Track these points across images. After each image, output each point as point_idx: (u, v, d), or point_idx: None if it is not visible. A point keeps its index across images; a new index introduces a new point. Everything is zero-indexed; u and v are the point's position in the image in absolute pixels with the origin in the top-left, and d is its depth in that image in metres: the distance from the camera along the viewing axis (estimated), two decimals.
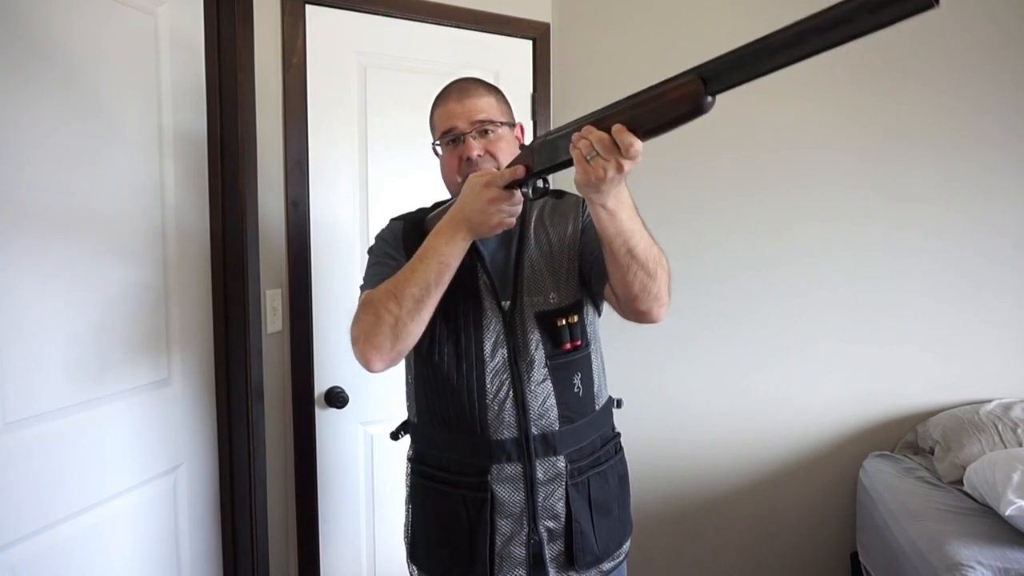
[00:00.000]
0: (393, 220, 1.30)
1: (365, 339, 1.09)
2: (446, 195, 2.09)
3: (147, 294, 1.42)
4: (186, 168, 1.51)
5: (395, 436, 1.32)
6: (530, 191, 1.04)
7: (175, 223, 1.48)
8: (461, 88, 1.22)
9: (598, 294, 1.21)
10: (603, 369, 1.28)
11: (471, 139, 1.17)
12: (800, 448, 2.33)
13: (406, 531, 1.30)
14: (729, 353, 2.31)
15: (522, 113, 2.12)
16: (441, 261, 1.05)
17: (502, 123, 1.20)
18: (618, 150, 0.86)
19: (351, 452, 1.94)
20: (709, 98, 0.79)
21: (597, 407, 1.24)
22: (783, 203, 2.27)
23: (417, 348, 1.16)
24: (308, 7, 1.80)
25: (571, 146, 0.90)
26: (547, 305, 1.17)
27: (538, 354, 1.16)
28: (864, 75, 2.22)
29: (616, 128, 0.85)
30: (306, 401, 1.86)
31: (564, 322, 1.17)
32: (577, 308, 1.20)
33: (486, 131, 1.18)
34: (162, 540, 1.48)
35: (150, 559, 1.45)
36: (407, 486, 1.30)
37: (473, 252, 1.18)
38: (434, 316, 1.10)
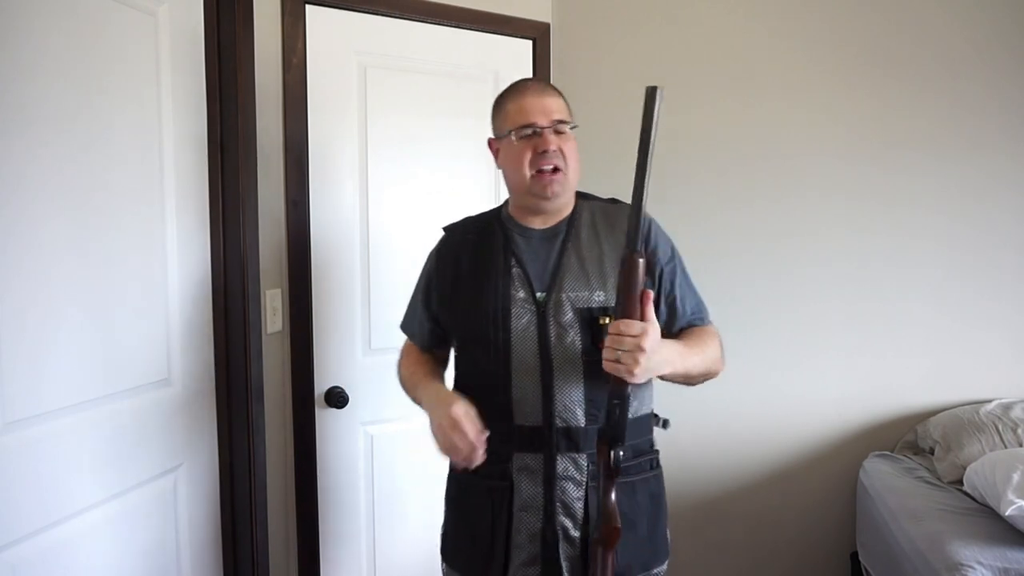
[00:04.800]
0: (443, 229, 1.39)
1: (399, 379, 1.40)
2: (445, 195, 2.09)
3: (147, 294, 1.42)
4: (186, 168, 1.51)
5: None
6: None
7: (175, 223, 1.48)
8: (538, 86, 1.27)
9: None
10: (646, 383, 1.26)
11: (549, 134, 1.20)
12: (800, 448, 2.33)
13: (442, 528, 1.36)
14: (728, 354, 2.30)
15: None
16: (415, 400, 1.31)
17: (572, 126, 1.25)
18: (627, 338, 1.03)
19: (351, 452, 1.94)
20: (640, 260, 1.04)
21: (630, 415, 1.20)
22: (784, 206, 2.27)
23: (452, 336, 1.33)
24: (308, 7, 1.80)
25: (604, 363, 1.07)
26: (591, 302, 1.19)
27: (572, 348, 1.18)
28: (861, 83, 2.22)
29: (612, 325, 1.05)
30: (306, 401, 1.86)
31: (607, 321, 1.17)
32: None
33: (560, 131, 1.22)
34: (162, 540, 1.48)
35: (150, 559, 1.45)
36: (446, 483, 1.36)
37: (508, 244, 1.25)
38: (464, 302, 1.25)
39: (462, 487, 1.30)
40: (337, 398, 1.88)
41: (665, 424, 1.33)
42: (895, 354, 2.30)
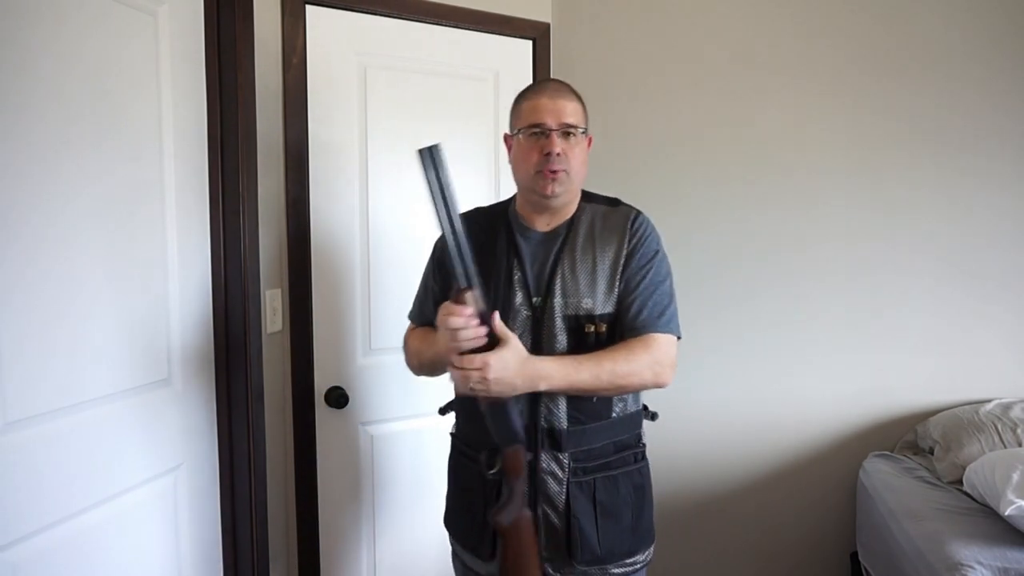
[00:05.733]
0: None
1: (407, 365, 1.41)
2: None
3: (147, 294, 1.42)
4: (186, 168, 1.51)
5: (443, 411, 1.40)
6: None
7: (175, 223, 1.48)
8: (555, 88, 1.28)
9: None
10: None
11: (556, 137, 1.22)
12: (800, 448, 2.33)
13: (445, 496, 1.41)
14: (729, 354, 2.31)
15: None
16: (432, 359, 1.28)
17: (582, 130, 1.27)
18: (472, 372, 1.08)
19: (351, 452, 1.94)
20: (469, 293, 1.07)
21: (614, 415, 1.26)
22: (783, 207, 2.27)
23: None
24: (308, 7, 1.81)
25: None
26: (579, 309, 1.22)
27: (560, 353, 1.21)
28: (859, 87, 2.22)
29: (457, 358, 1.10)
30: (306, 401, 1.86)
31: (592, 329, 1.22)
32: (608, 320, 1.23)
33: (568, 134, 1.24)
34: (162, 540, 1.48)
35: (150, 559, 1.45)
36: (448, 454, 1.41)
37: (512, 248, 1.27)
38: None
39: (460, 464, 1.35)
40: (337, 398, 1.88)
41: (654, 416, 1.37)
42: (895, 354, 2.30)
